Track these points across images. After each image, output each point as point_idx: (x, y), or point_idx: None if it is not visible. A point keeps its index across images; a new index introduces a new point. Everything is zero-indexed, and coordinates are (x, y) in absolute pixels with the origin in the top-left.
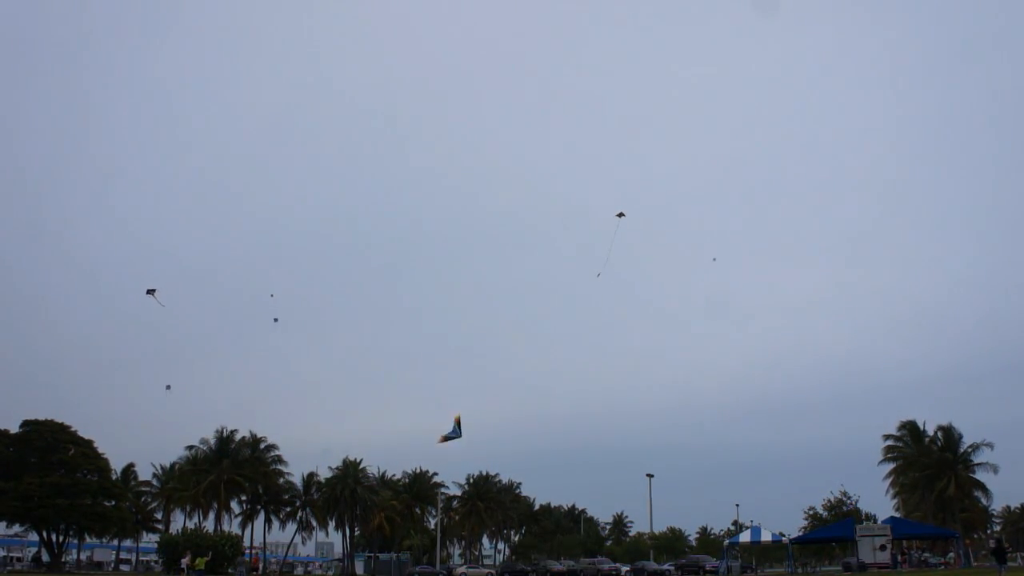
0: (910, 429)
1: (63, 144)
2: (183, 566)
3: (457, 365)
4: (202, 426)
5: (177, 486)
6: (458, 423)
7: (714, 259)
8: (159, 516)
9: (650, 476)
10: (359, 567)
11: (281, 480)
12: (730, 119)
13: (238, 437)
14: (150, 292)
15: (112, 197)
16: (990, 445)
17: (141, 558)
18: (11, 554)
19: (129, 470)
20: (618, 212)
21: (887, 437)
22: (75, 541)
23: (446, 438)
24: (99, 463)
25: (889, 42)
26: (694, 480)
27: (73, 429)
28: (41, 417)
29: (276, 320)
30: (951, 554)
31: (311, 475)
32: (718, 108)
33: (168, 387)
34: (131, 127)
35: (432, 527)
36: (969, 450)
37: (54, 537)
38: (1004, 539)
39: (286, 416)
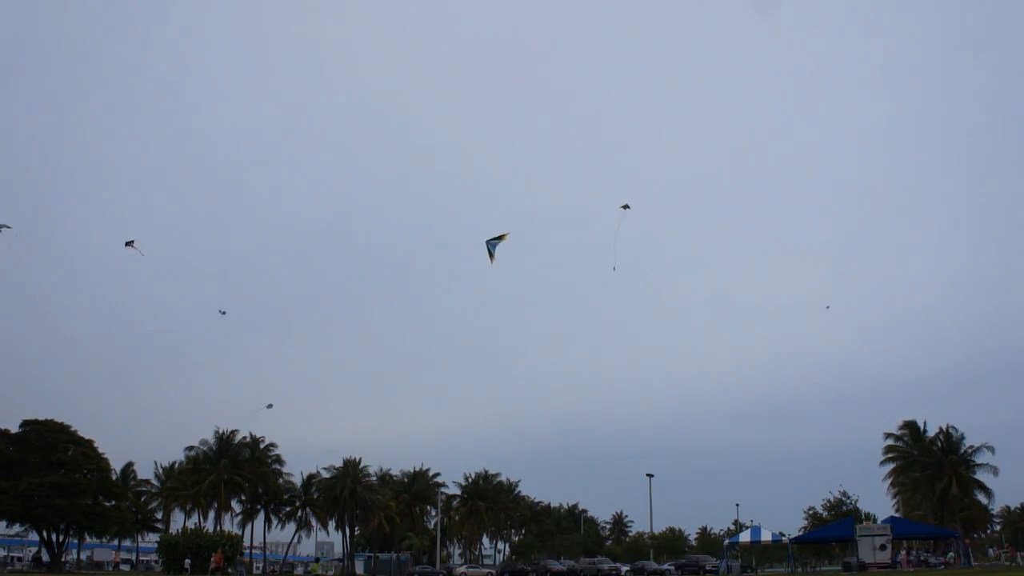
0: (911, 429)
1: (63, 143)
2: (186, 566)
3: (458, 365)
4: (202, 426)
5: (177, 486)
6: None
7: (827, 307)
8: (159, 516)
9: (650, 476)
10: (359, 567)
11: (280, 480)
12: (730, 119)
13: (238, 438)
14: (129, 244)
15: (113, 196)
16: (991, 448)
17: (141, 558)
18: (11, 554)
19: (128, 469)
20: (622, 204)
21: (888, 436)
22: (75, 541)
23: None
24: (99, 463)
25: (889, 42)
26: (694, 480)
27: (73, 429)
28: (41, 417)
29: (223, 312)
30: (951, 554)
31: (311, 475)
32: (718, 108)
33: (270, 406)
34: (133, 127)
35: (432, 527)
36: (970, 451)
37: (54, 537)
38: None
39: (289, 417)
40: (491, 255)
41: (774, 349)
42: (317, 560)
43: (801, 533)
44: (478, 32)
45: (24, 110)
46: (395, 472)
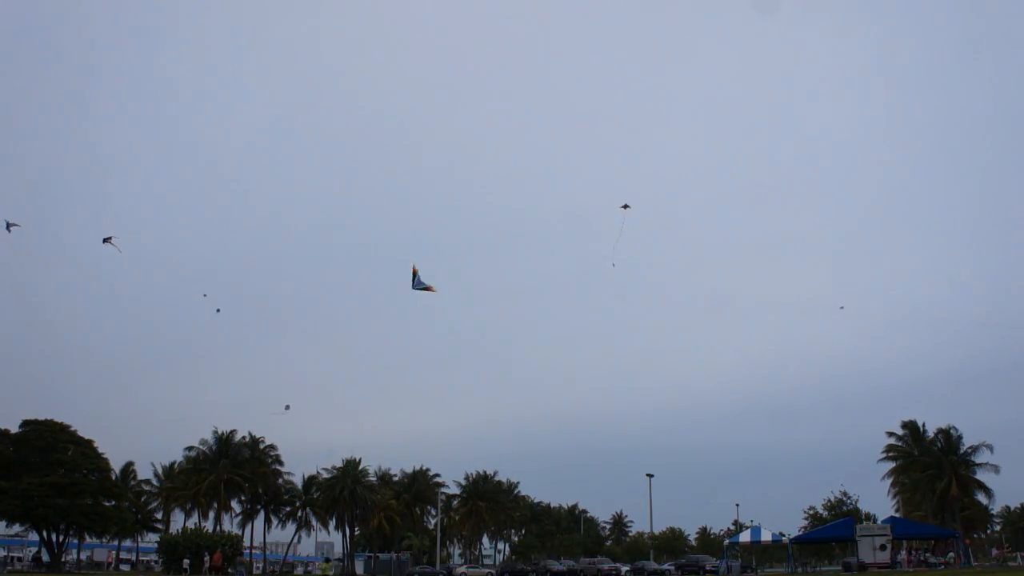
0: (911, 429)
1: (62, 142)
2: (184, 566)
3: (458, 365)
4: (202, 426)
5: (176, 486)
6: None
7: (841, 307)
8: (159, 516)
9: (650, 476)
10: (359, 567)
11: (280, 480)
12: (730, 119)
13: (237, 438)
14: (107, 240)
15: (112, 195)
16: (990, 447)
17: (141, 558)
18: (11, 554)
19: (128, 469)
20: (622, 204)
21: (890, 434)
22: (75, 541)
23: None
24: (99, 463)
25: (889, 42)
26: (694, 480)
27: (73, 429)
28: (41, 417)
29: (218, 311)
30: (951, 554)
31: (312, 476)
32: (718, 108)
33: (287, 407)
34: (132, 125)
35: (432, 527)
36: (969, 451)
37: (54, 537)
38: None
39: (289, 417)
40: (429, 288)
41: (774, 349)
42: (327, 560)
43: (801, 533)
44: (479, 31)
45: (24, 109)
46: (395, 472)
